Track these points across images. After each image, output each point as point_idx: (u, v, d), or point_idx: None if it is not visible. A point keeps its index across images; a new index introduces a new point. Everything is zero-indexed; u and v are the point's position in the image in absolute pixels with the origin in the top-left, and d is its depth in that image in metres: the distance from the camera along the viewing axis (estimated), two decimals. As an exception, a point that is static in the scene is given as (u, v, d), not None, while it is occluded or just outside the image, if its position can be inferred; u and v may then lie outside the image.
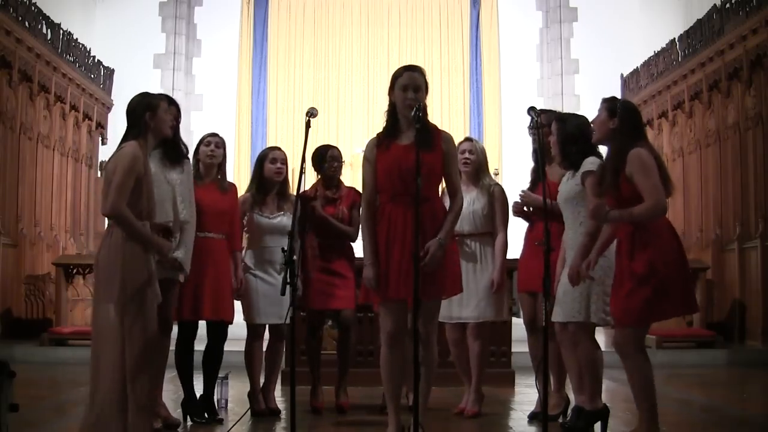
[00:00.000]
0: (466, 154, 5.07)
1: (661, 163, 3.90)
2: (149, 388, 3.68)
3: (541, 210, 4.18)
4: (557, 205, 4.46)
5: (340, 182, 5.26)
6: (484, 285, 4.97)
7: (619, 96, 10.99)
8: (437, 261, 3.79)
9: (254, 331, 5.03)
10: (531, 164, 5.12)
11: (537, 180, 4.85)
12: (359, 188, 4.33)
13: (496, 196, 5.07)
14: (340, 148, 5.37)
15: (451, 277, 3.99)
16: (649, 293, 3.68)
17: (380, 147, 3.97)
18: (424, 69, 4.06)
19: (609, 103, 3.92)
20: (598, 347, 4.33)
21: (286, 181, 5.14)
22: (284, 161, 5.09)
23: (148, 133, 3.82)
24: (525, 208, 4.94)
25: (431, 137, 3.90)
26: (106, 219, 3.78)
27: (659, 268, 3.69)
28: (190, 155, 4.67)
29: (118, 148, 3.78)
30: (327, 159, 5.18)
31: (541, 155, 4.23)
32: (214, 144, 4.85)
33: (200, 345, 4.86)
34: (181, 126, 4.61)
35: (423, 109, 3.82)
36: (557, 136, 4.45)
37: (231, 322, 4.87)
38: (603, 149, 4.24)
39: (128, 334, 3.57)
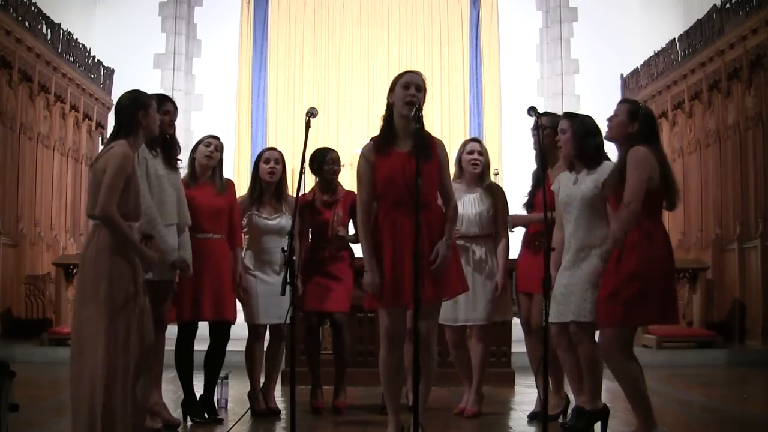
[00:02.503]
0: (475, 155, 5.05)
1: (667, 166, 3.89)
2: (145, 390, 3.66)
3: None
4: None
5: (338, 184, 5.26)
6: (491, 287, 4.97)
7: (619, 96, 11.08)
8: (445, 262, 3.86)
9: (255, 332, 5.03)
10: (531, 165, 5.09)
11: (538, 184, 4.84)
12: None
13: (499, 197, 5.07)
14: (338, 151, 5.38)
15: (455, 277, 4.00)
16: (630, 296, 3.68)
17: (379, 153, 3.95)
18: (425, 76, 4.05)
19: (631, 107, 3.90)
20: (599, 347, 4.32)
21: (282, 181, 5.13)
22: (278, 161, 5.06)
23: (139, 132, 3.73)
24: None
25: (428, 145, 3.90)
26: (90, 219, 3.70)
27: (644, 272, 3.68)
28: (184, 155, 4.67)
29: (107, 146, 3.70)
30: (327, 161, 5.17)
31: (541, 156, 4.22)
32: (213, 146, 4.83)
33: (202, 345, 4.86)
34: (181, 126, 4.62)
35: (420, 111, 3.82)
36: (572, 131, 4.38)
37: (233, 322, 4.87)
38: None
39: (119, 339, 3.50)
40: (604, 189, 4.13)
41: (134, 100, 3.74)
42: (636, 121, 3.82)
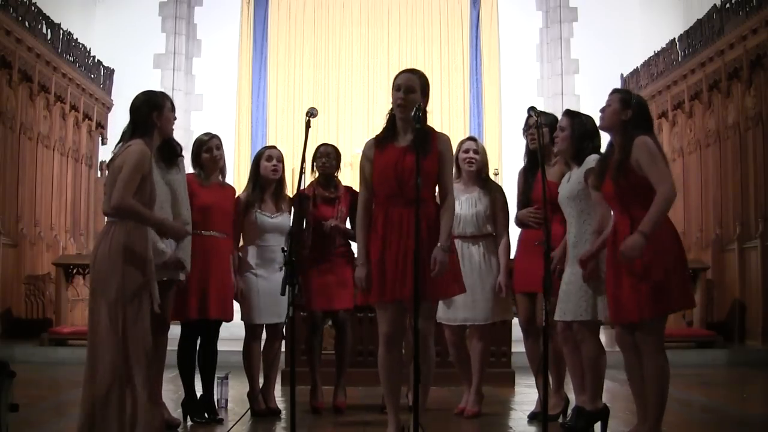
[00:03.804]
0: (471, 153, 5.06)
1: (665, 156, 3.89)
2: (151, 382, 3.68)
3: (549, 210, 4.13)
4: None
5: (338, 182, 5.26)
6: (491, 286, 4.96)
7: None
8: (444, 267, 3.83)
9: (253, 332, 5.02)
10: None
11: (528, 181, 4.85)
12: (357, 188, 4.33)
13: (498, 197, 5.07)
14: (338, 147, 5.35)
15: (451, 277, 3.98)
16: (655, 285, 3.65)
17: (378, 148, 4.00)
18: (425, 74, 4.06)
19: (623, 95, 3.90)
20: (602, 347, 4.31)
21: (282, 180, 5.13)
22: (280, 159, 5.08)
23: (155, 132, 3.79)
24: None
25: (428, 140, 3.91)
26: (106, 218, 3.73)
27: (662, 261, 3.67)
28: (185, 154, 4.66)
29: (123, 146, 3.72)
30: (317, 156, 5.19)
31: (540, 155, 4.23)
32: (215, 147, 4.85)
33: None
34: (181, 126, 4.62)
35: (423, 111, 3.83)
36: (571, 130, 4.38)
37: (231, 320, 4.88)
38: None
39: (131, 335, 3.54)
40: (588, 179, 4.15)
41: (148, 101, 3.80)
42: (629, 108, 3.83)
